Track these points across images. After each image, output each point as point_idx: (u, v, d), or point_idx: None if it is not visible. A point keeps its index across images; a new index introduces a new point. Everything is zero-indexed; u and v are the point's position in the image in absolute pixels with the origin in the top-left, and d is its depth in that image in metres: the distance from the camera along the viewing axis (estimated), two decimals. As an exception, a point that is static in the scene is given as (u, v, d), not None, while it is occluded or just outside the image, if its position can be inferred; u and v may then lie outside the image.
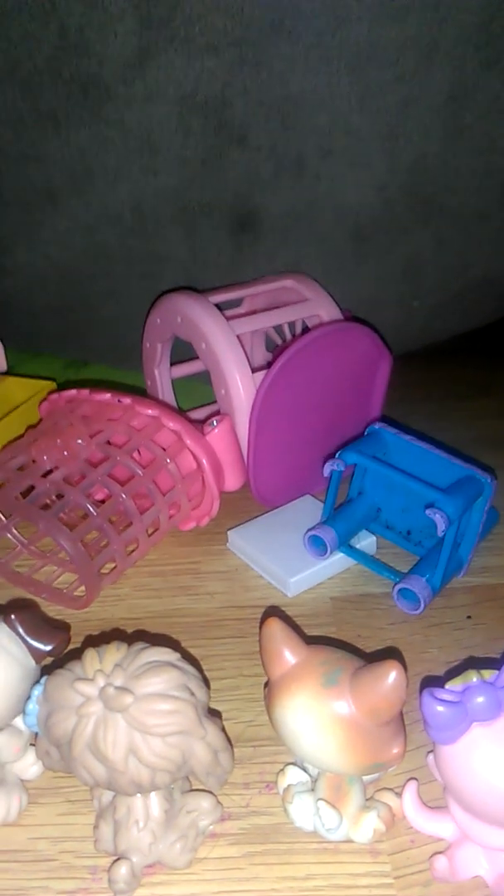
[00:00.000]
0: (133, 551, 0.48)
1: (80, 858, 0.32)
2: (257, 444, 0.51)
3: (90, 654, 0.31)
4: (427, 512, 0.43)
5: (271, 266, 0.64)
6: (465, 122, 0.58)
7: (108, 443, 0.48)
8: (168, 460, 0.48)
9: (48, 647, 0.34)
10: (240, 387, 0.51)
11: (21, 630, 0.33)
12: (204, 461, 0.49)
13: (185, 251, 0.64)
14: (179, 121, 0.56)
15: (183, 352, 0.61)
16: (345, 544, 0.49)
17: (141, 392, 0.64)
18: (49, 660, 0.34)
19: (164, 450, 0.48)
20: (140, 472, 0.47)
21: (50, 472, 0.47)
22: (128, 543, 0.47)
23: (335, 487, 0.49)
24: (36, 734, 0.32)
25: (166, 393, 0.62)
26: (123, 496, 0.46)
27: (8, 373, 0.64)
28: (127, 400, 0.50)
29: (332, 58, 0.54)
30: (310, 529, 0.48)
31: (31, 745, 0.35)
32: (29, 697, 0.32)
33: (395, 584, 0.45)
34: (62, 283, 0.68)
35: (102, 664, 0.30)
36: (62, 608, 0.47)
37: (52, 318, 0.72)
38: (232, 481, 0.53)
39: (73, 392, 0.52)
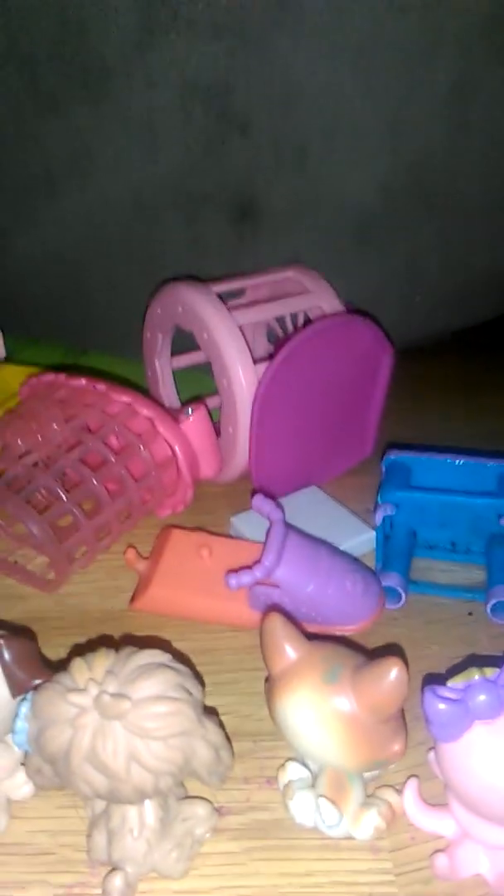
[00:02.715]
0: (105, 536, 0.48)
1: (79, 852, 0.32)
2: (259, 435, 0.51)
3: (78, 664, 0.30)
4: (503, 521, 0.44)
5: (272, 256, 0.63)
6: (470, 114, 0.57)
7: (82, 428, 0.49)
8: (141, 447, 0.49)
9: (31, 682, 0.32)
10: (241, 377, 0.51)
11: (7, 658, 0.32)
12: (177, 448, 0.50)
13: (185, 240, 0.63)
14: (181, 107, 0.56)
15: (184, 342, 0.60)
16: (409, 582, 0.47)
17: (141, 382, 0.64)
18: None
19: (137, 436, 0.49)
20: (112, 458, 0.47)
21: (26, 454, 0.48)
22: (98, 528, 0.47)
23: (383, 533, 0.47)
24: (26, 753, 0.31)
25: (167, 383, 0.62)
26: (94, 482, 0.46)
27: (7, 360, 0.63)
28: (102, 386, 0.50)
29: (336, 45, 0.53)
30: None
31: (23, 764, 0.33)
32: (17, 715, 0.31)
33: (487, 603, 0.43)
34: (62, 269, 0.68)
35: (93, 672, 0.29)
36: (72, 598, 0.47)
37: (52, 304, 0.72)
38: (207, 469, 0.53)
39: (51, 377, 0.52)
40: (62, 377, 0.52)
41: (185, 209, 0.61)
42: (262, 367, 0.51)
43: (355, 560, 0.43)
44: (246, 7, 0.51)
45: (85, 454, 0.47)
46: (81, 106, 0.56)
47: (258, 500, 0.43)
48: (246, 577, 0.39)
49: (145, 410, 0.50)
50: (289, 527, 0.42)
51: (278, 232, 0.63)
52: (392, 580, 0.45)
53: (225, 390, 0.52)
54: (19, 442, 0.48)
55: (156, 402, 0.51)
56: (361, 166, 0.59)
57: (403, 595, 0.44)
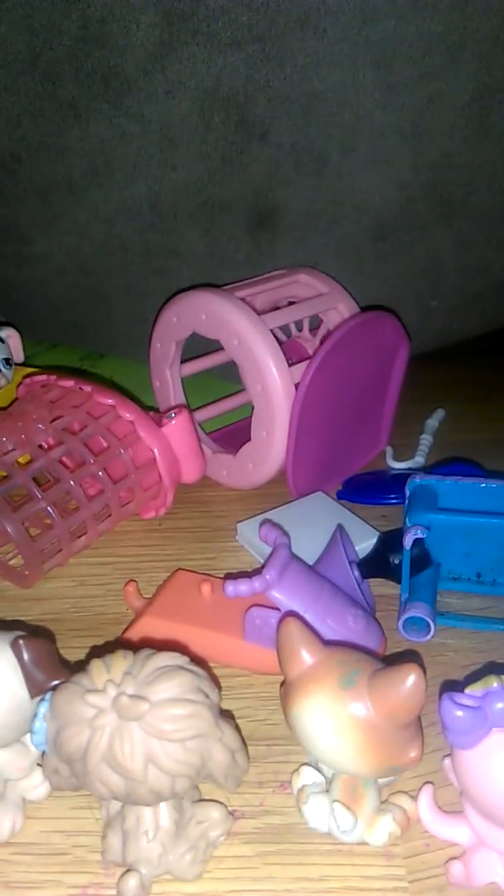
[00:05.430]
0: (81, 535, 0.49)
1: (94, 853, 0.32)
2: (298, 437, 0.51)
3: (97, 665, 0.30)
4: None
5: (289, 263, 0.64)
6: (491, 122, 0.57)
7: (66, 429, 0.49)
8: (122, 449, 0.49)
9: (50, 683, 0.32)
10: (279, 382, 0.51)
11: (26, 659, 0.31)
12: (156, 451, 0.51)
13: (202, 247, 0.64)
14: (200, 116, 0.56)
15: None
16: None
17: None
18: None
19: (119, 439, 0.49)
20: (91, 459, 0.48)
21: (10, 452, 0.48)
22: (73, 526, 0.48)
23: (410, 558, 0.44)
24: (43, 753, 0.31)
25: (177, 393, 0.61)
26: (71, 482, 0.47)
27: (25, 364, 0.64)
28: (88, 388, 0.51)
29: (357, 53, 0.53)
30: (402, 613, 0.43)
31: (39, 765, 0.33)
32: (35, 715, 0.31)
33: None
34: (80, 274, 0.68)
35: (111, 673, 0.29)
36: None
37: (70, 309, 0.72)
38: (189, 474, 0.54)
39: (43, 377, 0.53)
40: (53, 378, 0.53)
41: (203, 217, 0.62)
42: (296, 369, 0.51)
43: (356, 602, 0.41)
44: (267, 17, 0.52)
45: (65, 454, 0.48)
46: (102, 114, 0.57)
47: (265, 529, 0.43)
48: (244, 587, 0.38)
49: (127, 414, 0.51)
50: (294, 557, 0.41)
51: (296, 239, 0.63)
52: (420, 610, 0.42)
53: (259, 395, 0.52)
54: (4, 440, 0.48)
55: (139, 405, 0.52)
56: (380, 172, 0.59)
57: (432, 626, 0.42)
